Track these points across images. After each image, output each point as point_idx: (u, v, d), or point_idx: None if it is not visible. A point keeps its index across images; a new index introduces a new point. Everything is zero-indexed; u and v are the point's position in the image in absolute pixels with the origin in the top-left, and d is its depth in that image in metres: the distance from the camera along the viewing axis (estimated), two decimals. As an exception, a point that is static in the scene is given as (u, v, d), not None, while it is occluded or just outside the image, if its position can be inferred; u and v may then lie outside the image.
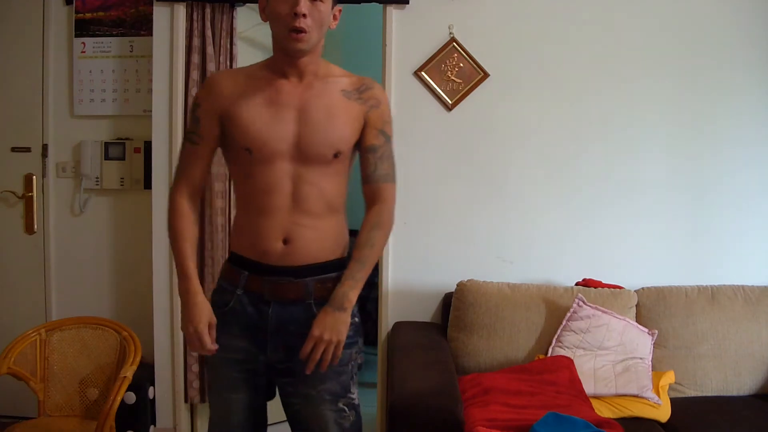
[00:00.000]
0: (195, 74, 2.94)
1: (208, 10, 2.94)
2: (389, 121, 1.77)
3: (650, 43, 2.97)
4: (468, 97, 3.00)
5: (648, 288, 2.84)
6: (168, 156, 2.99)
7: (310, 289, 1.70)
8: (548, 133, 3.01)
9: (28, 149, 3.23)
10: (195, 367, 3.02)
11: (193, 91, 2.91)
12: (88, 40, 3.19)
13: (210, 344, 1.67)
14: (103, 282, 3.25)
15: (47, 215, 3.23)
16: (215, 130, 1.70)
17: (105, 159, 3.18)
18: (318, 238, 1.70)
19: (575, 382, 2.48)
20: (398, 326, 2.96)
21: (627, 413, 2.48)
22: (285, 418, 1.82)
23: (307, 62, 1.68)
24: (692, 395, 2.68)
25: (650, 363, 2.64)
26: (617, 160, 3.01)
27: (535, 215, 3.02)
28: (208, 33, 2.94)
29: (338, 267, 1.74)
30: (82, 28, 3.19)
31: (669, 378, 2.64)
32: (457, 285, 2.87)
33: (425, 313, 3.05)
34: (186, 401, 3.08)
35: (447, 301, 2.95)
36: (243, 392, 1.75)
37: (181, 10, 2.96)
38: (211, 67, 2.93)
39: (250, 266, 1.71)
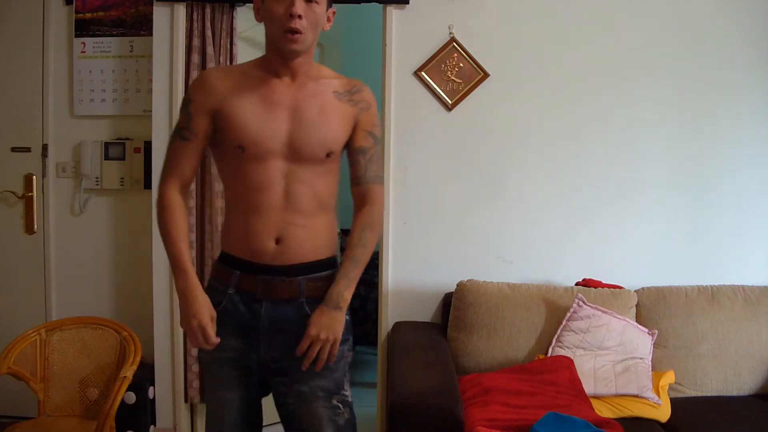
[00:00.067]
0: (195, 74, 2.94)
1: (208, 10, 2.94)
2: (378, 123, 1.80)
3: (650, 43, 2.97)
4: (468, 97, 3.00)
5: (648, 288, 2.84)
6: (168, 156, 2.99)
7: (302, 288, 1.71)
8: (548, 133, 3.01)
9: (28, 149, 3.23)
10: (195, 367, 3.02)
11: (193, 91, 2.90)
12: (88, 40, 3.19)
13: (214, 337, 1.67)
14: (103, 282, 3.25)
15: (47, 215, 3.23)
16: (207, 126, 1.70)
17: (105, 159, 3.18)
18: (310, 237, 1.71)
19: (575, 382, 2.48)
20: (398, 326, 2.96)
21: (627, 413, 2.48)
22: (280, 419, 1.82)
23: (300, 63, 1.69)
24: (692, 395, 2.68)
25: (650, 363, 2.64)
26: (617, 160, 3.01)
27: (535, 215, 3.02)
28: (208, 33, 2.95)
29: (329, 266, 1.76)
30: (82, 28, 3.19)
31: (669, 378, 2.64)
32: (457, 285, 2.87)
33: (425, 313, 3.05)
34: (186, 401, 3.09)
35: (447, 301, 2.95)
36: (237, 391, 1.76)
37: (181, 10, 2.96)
38: (211, 66, 2.92)
39: (242, 266, 1.71)
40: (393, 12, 2.98)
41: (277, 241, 1.68)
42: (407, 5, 2.97)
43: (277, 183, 1.67)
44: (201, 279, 1.74)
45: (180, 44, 2.97)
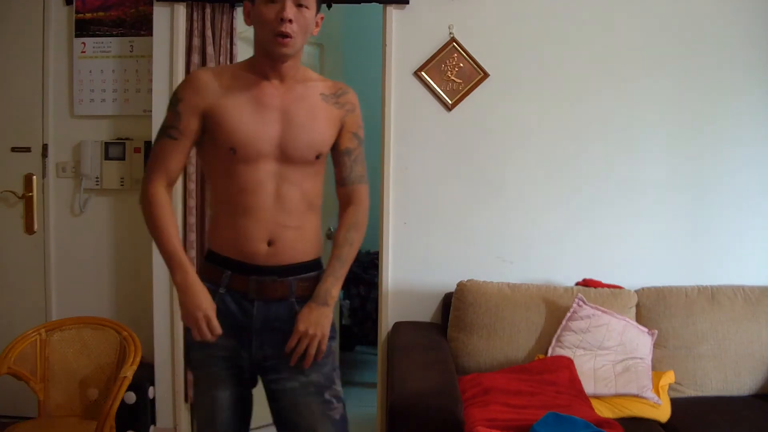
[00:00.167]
0: (195, 74, 2.94)
1: (208, 10, 2.94)
2: (362, 124, 1.84)
3: (650, 43, 2.97)
4: (468, 97, 3.00)
5: (648, 288, 2.84)
6: (168, 156, 2.99)
7: (293, 288, 1.74)
8: (548, 133, 3.01)
9: (28, 149, 3.23)
10: (195, 367, 3.02)
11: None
12: (88, 40, 3.19)
13: (219, 328, 1.68)
14: (103, 282, 3.25)
15: (47, 215, 3.23)
16: (196, 126, 1.70)
17: (105, 159, 3.19)
18: (300, 238, 1.74)
19: (575, 382, 2.48)
20: (398, 326, 2.96)
21: (627, 413, 2.48)
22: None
23: (289, 66, 1.72)
24: (692, 395, 2.68)
25: (650, 363, 2.64)
26: (617, 160, 3.01)
27: (535, 215, 3.02)
28: (208, 33, 2.95)
29: (317, 267, 1.80)
30: (82, 28, 3.19)
31: (669, 378, 2.64)
32: (457, 285, 2.87)
33: (425, 313, 3.05)
34: (186, 401, 3.09)
35: (447, 301, 2.95)
36: (229, 389, 1.77)
37: (181, 10, 2.97)
38: (211, 66, 2.93)
39: (233, 266, 1.73)
40: (393, 12, 2.98)
41: (270, 243, 1.71)
42: (407, 5, 2.97)
43: (267, 185, 1.69)
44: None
45: (180, 44, 2.97)
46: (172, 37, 2.98)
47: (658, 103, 2.99)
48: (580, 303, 2.68)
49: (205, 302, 1.67)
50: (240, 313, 1.73)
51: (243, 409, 1.82)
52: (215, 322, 1.67)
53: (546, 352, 2.68)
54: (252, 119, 1.68)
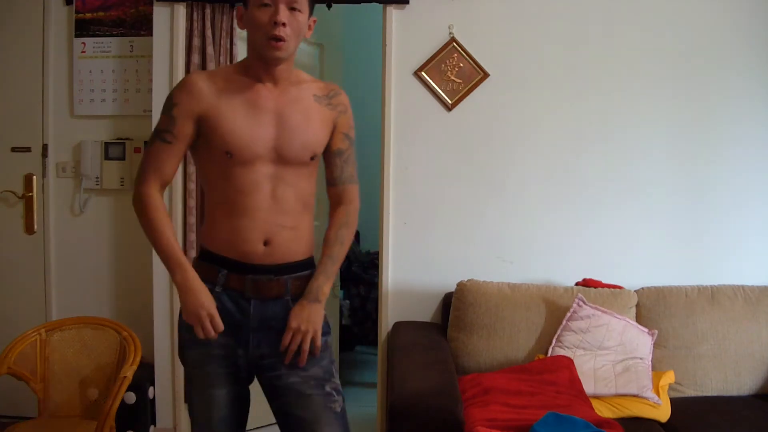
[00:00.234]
0: (195, 74, 2.94)
1: (208, 10, 2.94)
2: (353, 125, 1.86)
3: (651, 44, 2.97)
4: (468, 97, 3.00)
5: (648, 288, 2.84)
6: (168, 156, 2.99)
7: (288, 287, 1.76)
8: (548, 133, 3.01)
9: (28, 149, 3.23)
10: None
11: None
12: (88, 40, 3.19)
13: (221, 325, 1.69)
14: (103, 282, 3.25)
15: (47, 215, 3.23)
16: (190, 130, 1.71)
17: (105, 159, 3.19)
18: (296, 238, 1.76)
19: (575, 382, 2.48)
20: (398, 326, 2.96)
21: (627, 413, 2.48)
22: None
23: (282, 69, 1.73)
24: (692, 395, 2.68)
25: (650, 363, 2.64)
26: (617, 160, 3.01)
27: (535, 215, 3.03)
28: (208, 33, 2.95)
29: (310, 265, 1.82)
30: (82, 28, 3.19)
31: (669, 378, 2.64)
32: (457, 285, 2.87)
33: (425, 313, 3.05)
34: (186, 401, 3.07)
35: (447, 301, 2.95)
36: (226, 387, 1.78)
37: (181, 10, 2.97)
38: (211, 67, 2.93)
39: (229, 265, 1.74)
40: (393, 12, 2.98)
41: (266, 243, 1.73)
42: (407, 5, 2.97)
43: (264, 186, 1.71)
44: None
45: (180, 44, 2.97)
46: (172, 37, 2.98)
47: (658, 102, 2.99)
48: (580, 303, 2.68)
49: (208, 300, 1.69)
50: (237, 312, 1.74)
51: (240, 407, 1.83)
52: (218, 320, 1.69)
53: (546, 352, 2.68)
54: (247, 122, 1.69)
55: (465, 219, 3.03)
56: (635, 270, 2.99)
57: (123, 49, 3.19)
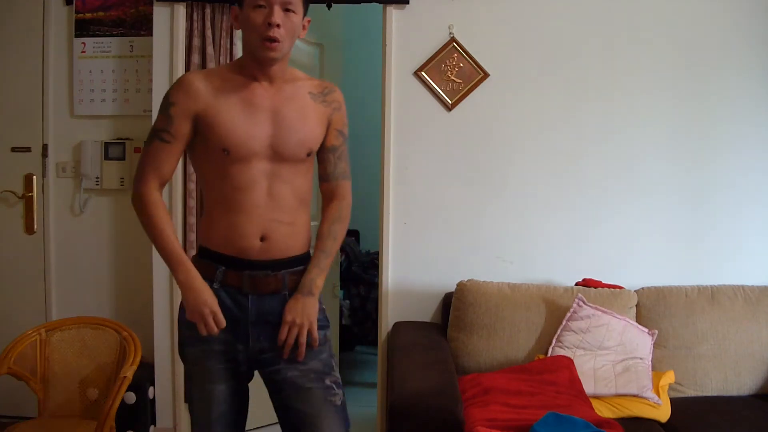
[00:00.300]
0: (195, 74, 2.94)
1: (208, 10, 2.94)
2: (347, 123, 1.89)
3: (651, 44, 2.97)
4: (468, 97, 3.00)
5: (648, 288, 2.84)
6: (168, 156, 2.99)
7: (285, 281, 1.78)
8: (548, 133, 3.01)
9: (28, 149, 3.23)
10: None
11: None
12: (88, 40, 3.19)
13: (224, 321, 1.72)
14: (103, 282, 3.25)
15: (47, 215, 3.23)
16: (187, 129, 1.73)
17: (105, 159, 3.18)
18: (292, 233, 1.78)
19: (575, 382, 2.48)
20: (398, 326, 2.96)
21: (627, 413, 2.48)
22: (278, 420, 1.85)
23: (277, 69, 1.76)
24: (692, 395, 2.68)
25: (650, 363, 2.64)
26: (618, 160, 3.01)
27: (535, 215, 3.03)
28: (208, 33, 2.95)
29: (306, 260, 1.84)
30: (82, 28, 3.19)
31: (669, 378, 2.64)
32: (457, 285, 2.87)
33: (425, 313, 3.05)
34: (186, 401, 3.08)
35: (447, 301, 2.95)
36: (225, 382, 1.80)
37: (181, 10, 2.97)
38: (211, 67, 2.92)
39: (227, 261, 1.76)
40: (393, 12, 2.98)
41: (263, 239, 1.75)
42: (407, 5, 2.97)
43: (260, 183, 1.73)
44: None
45: (180, 44, 2.97)
46: (172, 37, 2.98)
47: (658, 102, 2.99)
48: (580, 303, 2.68)
49: (210, 297, 1.71)
50: (235, 307, 1.76)
51: (239, 403, 1.85)
52: (221, 316, 1.71)
53: (546, 352, 2.68)
54: (243, 121, 1.71)
55: (465, 219, 3.03)
56: (635, 270, 2.99)
57: (123, 49, 3.19)
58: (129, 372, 2.44)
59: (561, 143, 3.01)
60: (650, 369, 2.62)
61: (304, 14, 1.76)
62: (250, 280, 1.75)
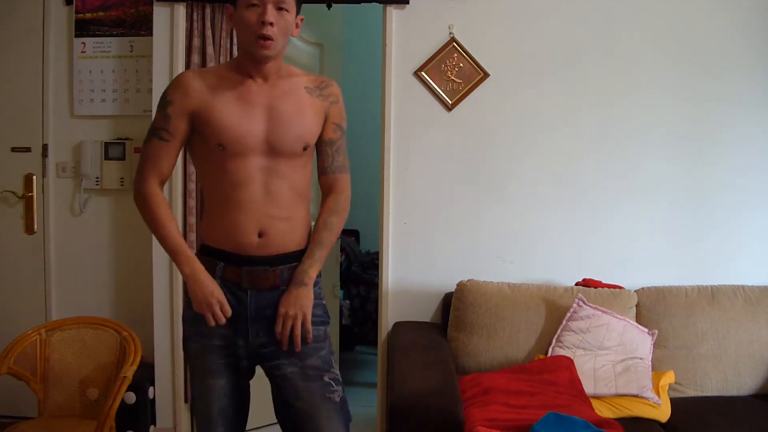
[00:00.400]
0: (195, 74, 2.94)
1: (208, 10, 2.94)
2: (345, 116, 1.91)
3: (652, 44, 2.97)
4: (468, 97, 3.00)
5: (648, 288, 2.84)
6: (168, 156, 2.99)
7: (284, 277, 1.79)
8: (548, 133, 3.01)
9: (28, 149, 3.23)
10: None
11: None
12: (88, 40, 3.19)
13: (230, 310, 1.75)
14: (103, 282, 3.25)
15: (47, 215, 3.23)
16: (184, 127, 1.77)
17: (105, 159, 3.19)
18: (290, 229, 1.80)
19: (575, 382, 2.48)
20: (398, 326, 2.96)
21: (627, 413, 2.48)
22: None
23: (271, 66, 1.78)
24: (692, 395, 2.68)
25: (650, 363, 2.64)
26: (618, 160, 3.01)
27: (535, 215, 3.02)
28: (208, 33, 2.95)
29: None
30: (82, 28, 3.19)
31: (669, 378, 2.64)
32: (457, 285, 2.87)
33: (425, 313, 3.05)
34: (186, 401, 3.09)
35: (447, 301, 2.95)
36: (225, 377, 1.82)
37: (181, 10, 2.97)
38: (211, 66, 2.93)
39: (226, 257, 1.78)
40: (393, 12, 2.98)
41: (260, 234, 1.77)
42: (407, 5, 2.97)
43: (257, 178, 1.75)
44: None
45: (180, 44, 2.97)
46: (172, 37, 2.98)
47: (658, 102, 2.99)
48: (580, 303, 2.68)
49: (215, 287, 1.75)
50: (235, 303, 1.78)
51: (239, 399, 1.86)
52: (227, 305, 1.75)
53: (546, 352, 2.68)
54: (238, 117, 1.74)
55: (465, 219, 3.03)
56: (635, 270, 2.99)
57: (123, 49, 3.19)
58: (129, 372, 2.44)
59: (561, 143, 3.01)
60: (650, 369, 2.62)
61: (297, 13, 1.79)
62: (248, 276, 1.77)
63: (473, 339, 2.75)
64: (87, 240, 3.24)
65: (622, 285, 2.87)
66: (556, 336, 2.68)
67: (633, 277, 2.93)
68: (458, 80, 2.99)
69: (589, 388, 2.51)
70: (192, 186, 2.97)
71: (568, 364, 2.55)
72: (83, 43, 3.19)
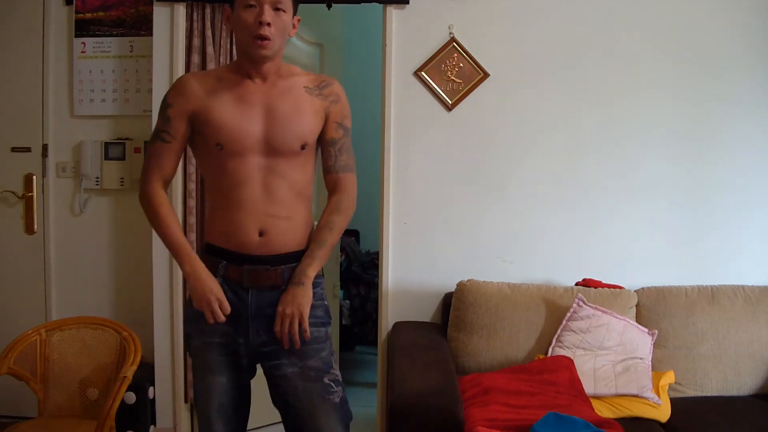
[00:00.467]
0: (195, 74, 2.94)
1: (208, 10, 2.94)
2: (348, 115, 1.90)
3: (652, 44, 2.97)
4: (468, 97, 3.00)
5: (648, 288, 2.84)
6: (168, 156, 2.99)
7: (285, 277, 1.81)
8: (548, 133, 3.01)
9: (28, 149, 3.23)
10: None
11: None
12: (88, 40, 3.19)
13: (229, 307, 1.77)
14: (103, 282, 3.25)
15: (47, 215, 3.23)
16: (185, 128, 1.81)
17: (105, 159, 3.18)
18: (291, 228, 1.81)
19: (575, 382, 2.48)
20: (398, 326, 2.96)
21: (627, 413, 2.48)
22: (281, 419, 1.86)
23: (270, 66, 1.80)
24: (692, 395, 2.68)
25: (650, 363, 2.64)
26: (618, 160, 3.01)
27: (535, 215, 3.02)
28: (208, 33, 2.95)
29: None
30: (82, 28, 3.19)
31: (669, 378, 2.64)
32: (457, 285, 2.87)
33: (425, 313, 3.05)
34: (186, 401, 3.09)
35: (447, 301, 2.95)
36: (225, 375, 1.83)
37: (181, 10, 2.97)
38: (211, 67, 2.93)
39: (228, 256, 1.80)
40: (393, 12, 2.98)
41: (261, 233, 1.78)
42: (407, 5, 2.97)
43: (256, 178, 1.77)
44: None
45: (180, 44, 2.97)
46: (172, 37, 2.98)
47: (659, 102, 2.99)
48: (580, 303, 2.68)
49: (215, 285, 1.77)
50: (236, 301, 1.79)
51: (240, 397, 1.87)
52: (226, 303, 1.76)
53: (546, 352, 2.68)
54: (236, 116, 1.76)
55: (465, 219, 3.03)
56: (635, 270, 2.99)
57: (123, 49, 3.19)
58: (129, 372, 2.44)
59: (561, 143, 3.01)
60: (650, 369, 2.62)
61: (294, 13, 1.80)
62: (249, 275, 1.79)
63: (473, 339, 2.75)
64: (87, 240, 3.24)
65: (622, 285, 2.87)
66: (556, 336, 2.68)
67: (633, 277, 2.93)
68: (458, 80, 2.99)
69: (589, 388, 2.51)
70: (192, 186, 2.97)
71: (568, 364, 2.55)
72: (83, 43, 3.19)
